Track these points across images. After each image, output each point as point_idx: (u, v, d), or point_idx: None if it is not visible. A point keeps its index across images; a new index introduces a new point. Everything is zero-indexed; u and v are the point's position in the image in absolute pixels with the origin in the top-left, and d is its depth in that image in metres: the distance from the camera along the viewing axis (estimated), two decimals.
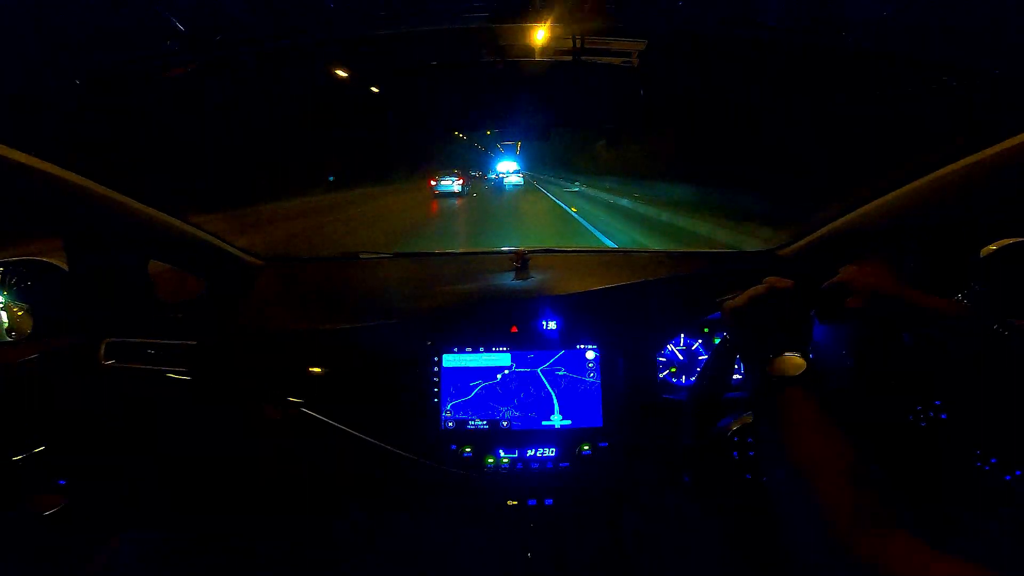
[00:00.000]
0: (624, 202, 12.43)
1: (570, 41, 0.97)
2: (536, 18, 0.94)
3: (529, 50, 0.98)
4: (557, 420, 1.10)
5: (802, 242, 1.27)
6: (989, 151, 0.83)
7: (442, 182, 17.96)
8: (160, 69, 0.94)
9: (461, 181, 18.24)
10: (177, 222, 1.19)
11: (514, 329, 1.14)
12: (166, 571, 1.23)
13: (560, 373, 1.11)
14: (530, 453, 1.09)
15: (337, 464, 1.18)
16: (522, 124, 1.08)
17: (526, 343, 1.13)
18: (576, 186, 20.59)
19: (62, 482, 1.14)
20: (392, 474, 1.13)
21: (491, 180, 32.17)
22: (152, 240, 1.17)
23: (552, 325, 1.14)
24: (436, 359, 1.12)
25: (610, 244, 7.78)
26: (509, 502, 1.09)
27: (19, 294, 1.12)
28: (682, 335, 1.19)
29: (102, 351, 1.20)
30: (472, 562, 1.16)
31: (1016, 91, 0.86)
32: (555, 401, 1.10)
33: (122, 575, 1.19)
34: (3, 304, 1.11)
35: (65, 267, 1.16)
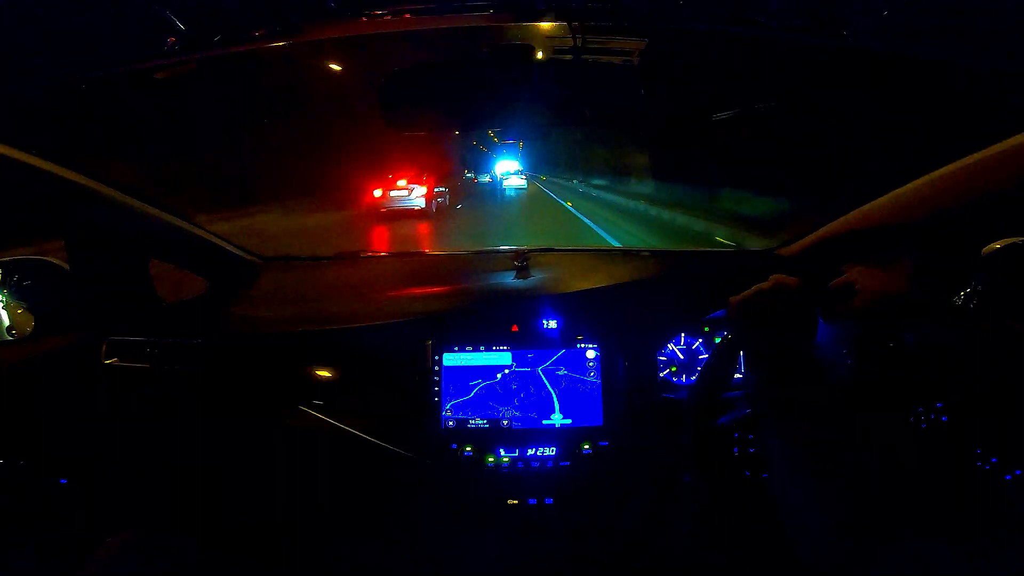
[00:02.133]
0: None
1: (570, 40, 0.97)
2: (537, 16, 0.94)
3: (528, 49, 0.98)
4: (557, 419, 1.10)
5: (803, 241, 1.27)
6: (989, 151, 0.83)
7: (393, 194, 10.72)
8: (160, 69, 0.94)
9: (425, 191, 10.87)
10: (177, 221, 1.19)
11: (515, 328, 1.14)
12: (166, 571, 1.23)
13: (560, 372, 1.12)
14: (530, 452, 1.09)
15: (337, 463, 1.18)
16: (520, 122, 1.07)
17: (527, 342, 1.13)
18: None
19: (63, 481, 1.14)
20: (392, 473, 1.13)
21: (486, 184, 24.33)
22: (152, 240, 1.18)
23: (553, 324, 1.14)
24: (436, 358, 1.12)
25: (613, 243, 7.78)
26: (509, 501, 1.09)
27: (20, 293, 1.12)
28: (683, 334, 1.19)
29: (103, 350, 1.20)
30: (472, 561, 1.16)
31: (1016, 91, 0.86)
32: (555, 400, 1.11)
33: (122, 575, 1.20)
34: (4, 303, 1.11)
35: (66, 266, 1.16)
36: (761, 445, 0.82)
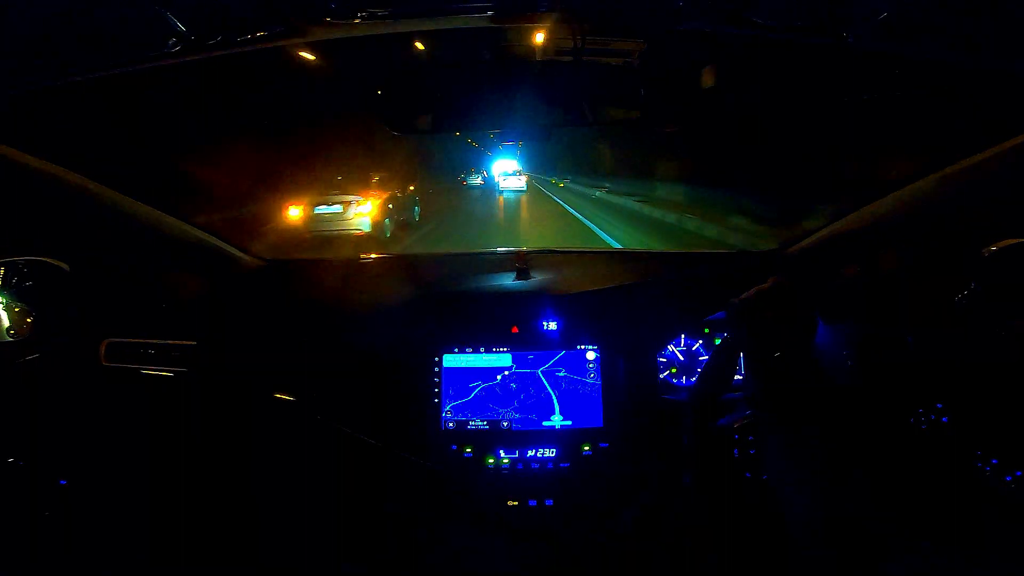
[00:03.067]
0: None
1: (570, 40, 0.97)
2: (537, 17, 0.94)
3: (529, 49, 0.98)
4: (557, 421, 1.10)
5: (804, 243, 1.27)
6: (989, 151, 0.83)
7: (319, 211, 7.35)
8: (160, 69, 0.94)
9: (370, 207, 7.41)
10: (177, 222, 1.19)
11: (515, 329, 1.14)
12: (166, 571, 1.23)
13: (560, 374, 1.11)
14: (531, 453, 1.09)
15: (337, 464, 1.18)
16: (520, 122, 1.07)
17: (527, 344, 1.13)
18: None
19: (63, 482, 1.14)
20: (392, 474, 1.13)
21: (477, 188, 20.36)
22: (152, 240, 1.17)
23: (553, 326, 1.14)
24: (436, 359, 1.12)
25: (613, 244, 7.77)
26: (510, 502, 1.09)
27: (20, 294, 1.12)
28: (683, 336, 1.19)
29: (102, 351, 1.20)
30: (472, 562, 1.16)
31: (1016, 91, 0.86)
32: (555, 402, 1.10)
33: (122, 575, 1.19)
34: (3, 304, 1.11)
35: (66, 267, 1.16)
36: (761, 447, 0.82)
